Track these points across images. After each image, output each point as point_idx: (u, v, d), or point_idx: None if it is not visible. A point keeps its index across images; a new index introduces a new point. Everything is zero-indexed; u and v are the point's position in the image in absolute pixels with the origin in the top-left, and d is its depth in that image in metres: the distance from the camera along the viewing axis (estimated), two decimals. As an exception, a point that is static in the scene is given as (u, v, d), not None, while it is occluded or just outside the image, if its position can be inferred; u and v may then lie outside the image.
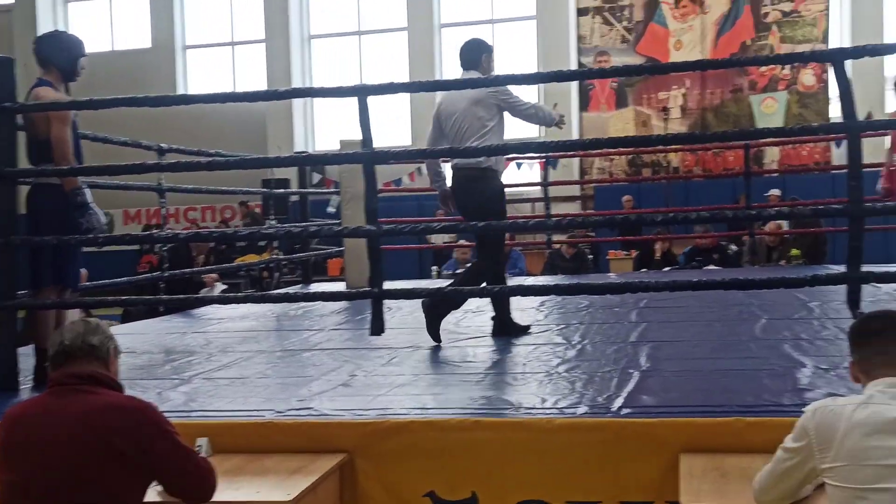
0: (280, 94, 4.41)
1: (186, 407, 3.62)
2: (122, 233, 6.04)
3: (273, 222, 8.37)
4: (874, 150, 12.00)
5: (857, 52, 3.95)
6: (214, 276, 7.74)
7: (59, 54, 4.31)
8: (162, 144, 6.17)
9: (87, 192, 4.27)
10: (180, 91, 17.43)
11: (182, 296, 4.97)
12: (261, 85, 16.80)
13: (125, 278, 6.25)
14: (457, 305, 5.20)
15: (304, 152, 12.01)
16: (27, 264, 4.32)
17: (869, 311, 2.43)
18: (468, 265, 5.68)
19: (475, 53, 5.22)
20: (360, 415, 3.32)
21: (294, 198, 9.30)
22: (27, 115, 4.24)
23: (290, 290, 9.21)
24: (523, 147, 4.22)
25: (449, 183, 5.24)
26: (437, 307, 4.89)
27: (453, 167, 5.17)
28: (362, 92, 4.06)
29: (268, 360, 4.67)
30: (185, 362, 4.69)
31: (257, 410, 3.47)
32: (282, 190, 8.24)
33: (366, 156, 4.08)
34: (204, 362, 4.67)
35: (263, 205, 9.55)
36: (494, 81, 4.66)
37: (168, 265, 6.41)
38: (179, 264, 6.96)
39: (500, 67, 16.67)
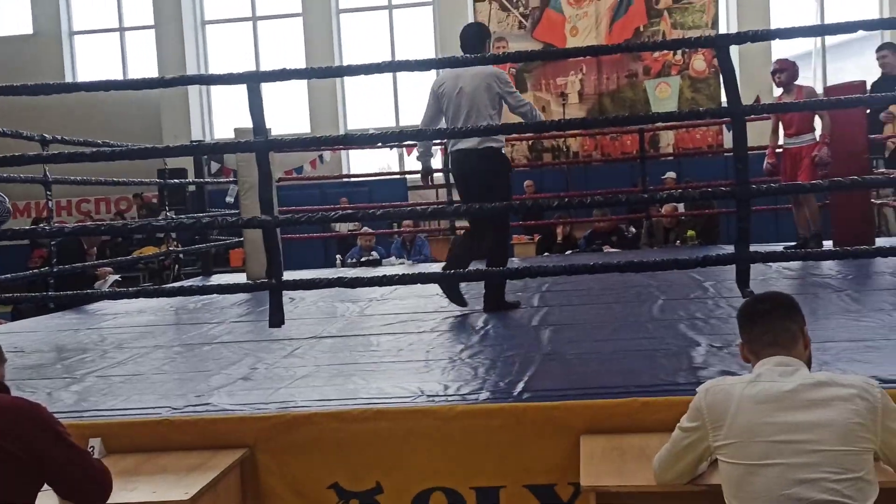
0: (167, 82, 4.25)
1: (78, 407, 3.49)
2: (9, 227, 5.79)
3: (169, 214, 8.15)
4: (762, 133, 12.41)
5: (739, 38, 4.07)
6: (108, 269, 7.48)
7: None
8: (45, 135, 5.92)
9: None
10: (68, 78, 16.79)
11: (70, 292, 4.75)
12: (153, 72, 16.31)
13: (10, 275, 5.98)
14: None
15: (200, 141, 11.73)
16: None
17: (756, 294, 2.51)
18: (460, 235, 5.73)
19: (478, 38, 5.40)
20: (261, 409, 3.25)
21: (191, 188, 9.07)
22: None
23: (190, 282, 9.01)
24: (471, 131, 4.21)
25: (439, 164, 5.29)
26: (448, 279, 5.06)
27: (461, 148, 5.20)
28: (252, 79, 3.97)
29: (165, 356, 4.54)
30: (78, 360, 4.52)
31: (153, 408, 3.37)
32: (177, 180, 8.01)
33: (257, 144, 3.99)
34: (97, 360, 4.51)
35: (159, 196, 9.29)
36: (388, 67, 4.60)
37: (56, 260, 6.17)
38: (70, 258, 6.69)
39: (399, 53, 16.72)
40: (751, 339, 2.34)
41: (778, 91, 7.13)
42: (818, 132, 6.78)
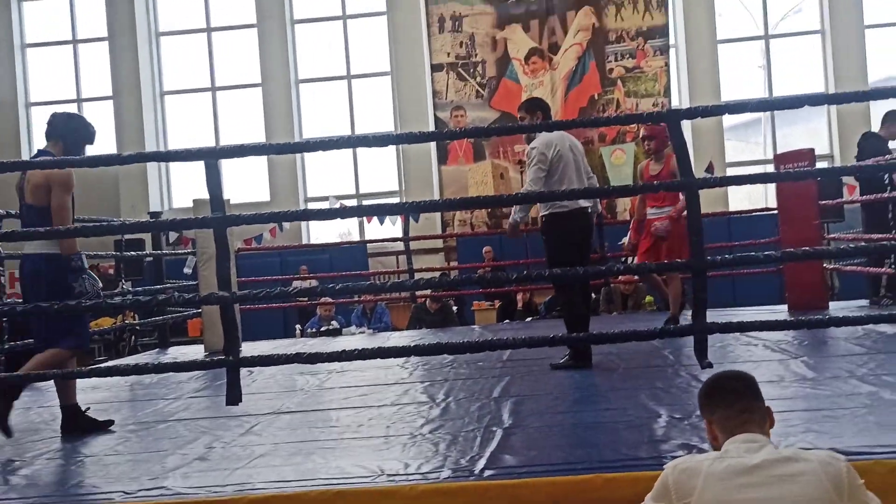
0: (123, 159, 4.23)
1: (28, 492, 3.38)
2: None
3: (126, 285, 8.05)
4: (715, 199, 12.64)
5: (690, 113, 4.16)
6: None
7: (70, 133, 4.63)
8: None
9: (83, 258, 4.51)
10: (25, 152, 16.68)
11: (15, 373, 4.63)
12: (111, 141, 16.24)
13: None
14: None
15: (159, 212, 11.66)
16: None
17: (720, 372, 2.51)
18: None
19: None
20: (217, 492, 3.18)
21: (149, 258, 8.99)
22: (25, 180, 4.47)
23: (146, 356, 8.86)
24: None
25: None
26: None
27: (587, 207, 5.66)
28: (210, 155, 3.96)
29: (119, 436, 4.44)
30: (29, 442, 4.40)
31: (106, 493, 3.28)
32: (133, 252, 7.93)
33: (215, 220, 3.96)
34: (48, 440, 4.40)
35: (116, 266, 9.19)
36: (347, 143, 4.63)
37: (8, 336, 6.04)
38: (24, 333, 6.54)
39: (358, 121, 16.87)
40: (726, 417, 2.33)
41: (732, 155, 7.24)
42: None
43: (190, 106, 16.91)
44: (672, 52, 15.03)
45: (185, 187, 16.46)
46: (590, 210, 5.75)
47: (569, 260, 5.27)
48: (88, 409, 4.68)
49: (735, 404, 2.33)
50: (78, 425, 4.55)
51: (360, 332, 9.30)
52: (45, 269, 4.40)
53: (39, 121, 17.06)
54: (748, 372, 2.47)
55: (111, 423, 4.64)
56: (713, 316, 4.48)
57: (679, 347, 5.67)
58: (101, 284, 4.69)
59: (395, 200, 15.65)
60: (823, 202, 7.83)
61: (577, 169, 5.62)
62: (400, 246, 13.30)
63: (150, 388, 5.96)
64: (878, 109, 15.38)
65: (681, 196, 6.31)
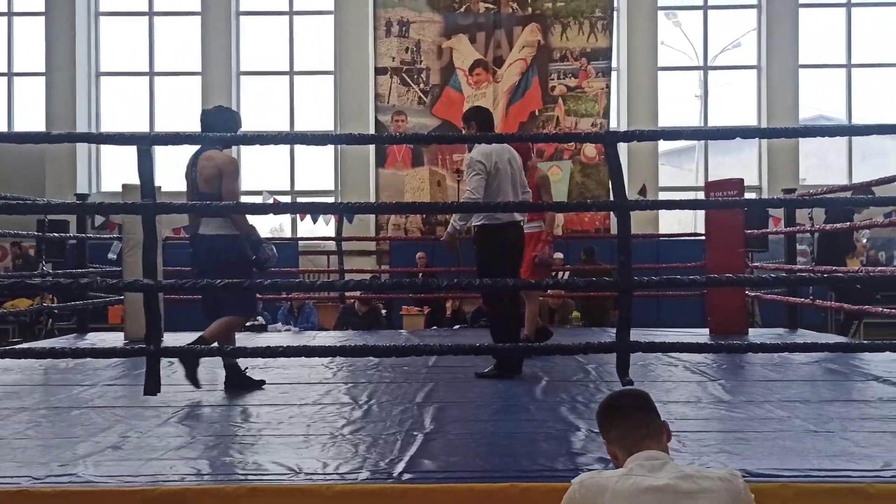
0: (53, 138, 4.13)
1: (-74, 474, 3.26)
2: None
3: (46, 266, 7.83)
4: (645, 221, 12.90)
5: (627, 137, 4.24)
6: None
7: (223, 126, 5.18)
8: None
9: (257, 231, 5.18)
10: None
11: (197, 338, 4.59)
12: (40, 121, 15.81)
13: None
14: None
15: (86, 195, 11.35)
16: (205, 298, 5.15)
17: (615, 391, 2.56)
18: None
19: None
20: (129, 482, 3.11)
21: (72, 241, 8.76)
22: (196, 171, 4.99)
23: (62, 340, 8.63)
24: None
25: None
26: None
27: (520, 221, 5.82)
28: (144, 141, 3.89)
29: (30, 419, 4.31)
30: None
31: (11, 477, 3.18)
32: (57, 234, 7.72)
33: (145, 207, 3.89)
34: (-44, 421, 4.25)
35: (37, 248, 8.95)
36: (286, 139, 4.61)
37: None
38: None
39: (298, 117, 16.75)
40: (623, 434, 2.37)
41: (665, 179, 7.36)
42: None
43: (126, 89, 16.56)
44: (614, 74, 15.29)
45: (114, 171, 16.11)
46: (522, 224, 5.84)
47: (499, 271, 5.33)
48: (247, 368, 5.23)
49: (630, 421, 2.37)
50: (240, 383, 5.10)
51: (287, 330, 9.21)
52: (222, 247, 4.99)
53: (-33, 91, 16.55)
54: (643, 390, 2.53)
55: (263, 382, 5.19)
56: (637, 335, 4.56)
57: (602, 363, 5.74)
58: (276, 252, 5.36)
59: (330, 199, 15.56)
60: (749, 231, 8.04)
61: (513, 182, 5.68)
62: (332, 246, 13.24)
63: (65, 374, 5.81)
64: (806, 147, 15.91)
65: (546, 215, 6.50)
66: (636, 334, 4.55)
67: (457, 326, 10.24)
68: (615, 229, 5.52)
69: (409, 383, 5.30)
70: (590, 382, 5.23)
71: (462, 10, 14.83)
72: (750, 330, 8.18)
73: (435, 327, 10.59)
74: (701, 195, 11.60)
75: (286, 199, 15.32)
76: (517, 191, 5.72)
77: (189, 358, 4.86)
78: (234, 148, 15.79)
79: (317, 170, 16.09)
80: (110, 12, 16.49)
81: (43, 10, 16.07)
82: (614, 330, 5.70)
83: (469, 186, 5.59)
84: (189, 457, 3.49)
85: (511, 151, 5.80)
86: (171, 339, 7.31)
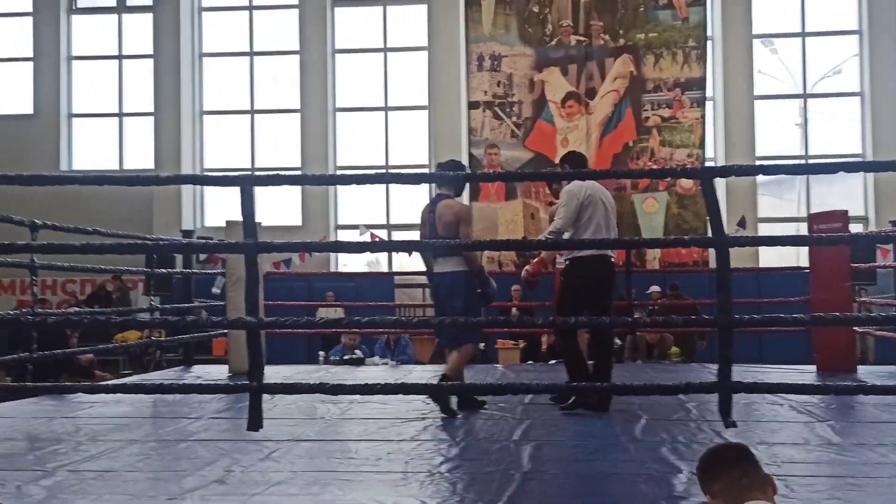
0: (160, 180, 4.34)
1: (47, 504, 3.41)
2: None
3: (154, 300, 8.11)
4: (742, 254, 12.59)
5: (724, 172, 4.18)
6: (90, 356, 7.40)
7: (453, 176, 5.85)
8: (35, 220, 5.96)
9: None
10: (64, 161, 16.96)
11: (48, 383, 4.76)
12: (149, 159, 16.47)
13: (-11, 358, 5.91)
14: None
15: (191, 231, 11.77)
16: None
17: (714, 446, 2.49)
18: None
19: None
20: (234, 517, 3.19)
21: (178, 276, 9.08)
22: (436, 217, 5.70)
23: (171, 371, 8.92)
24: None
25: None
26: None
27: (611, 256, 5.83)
28: (246, 182, 4.01)
29: (140, 452, 4.47)
30: (51, 451, 4.44)
31: (123, 510, 3.30)
32: (164, 269, 8.02)
33: (247, 247, 4.01)
34: (70, 452, 4.43)
35: (146, 282, 9.29)
36: (380, 179, 4.68)
37: (37, 345, 6.11)
38: (51, 343, 6.62)
39: (392, 153, 17.01)
40: (729, 486, 2.29)
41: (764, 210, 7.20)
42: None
43: (228, 127, 17.12)
44: (709, 104, 15.05)
45: (218, 206, 16.62)
46: (612, 258, 5.83)
47: (579, 307, 5.32)
48: None
49: (733, 473, 2.30)
50: (469, 403, 5.67)
51: (384, 363, 9.30)
52: (458, 283, 5.63)
53: (80, 133, 17.38)
54: (744, 444, 2.45)
55: (484, 403, 5.73)
56: (739, 371, 4.46)
57: (704, 402, 5.61)
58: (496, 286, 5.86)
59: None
60: (856, 265, 7.77)
61: (606, 219, 5.69)
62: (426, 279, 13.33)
63: (172, 406, 5.98)
64: (916, 174, 15.29)
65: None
66: (738, 371, 4.44)
67: (552, 361, 10.14)
68: (713, 261, 5.43)
69: (505, 420, 5.29)
70: (690, 422, 5.12)
71: (553, 42, 14.86)
72: (860, 367, 7.87)
73: (531, 362, 10.52)
74: (803, 226, 11.29)
75: (382, 232, 15.53)
76: (610, 227, 5.71)
77: (440, 395, 5.49)
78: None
79: (412, 202, 16.27)
80: (213, 53, 17.12)
81: (151, 52, 16.79)
82: (713, 365, 5.59)
83: (559, 215, 5.65)
84: (290, 493, 3.56)
85: (604, 191, 5.82)
86: (271, 373, 7.49)
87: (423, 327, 7.87)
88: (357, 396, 6.09)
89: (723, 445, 2.49)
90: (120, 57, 17.32)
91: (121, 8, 17.29)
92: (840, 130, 15.82)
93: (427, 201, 6.05)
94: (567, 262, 5.71)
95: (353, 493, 3.51)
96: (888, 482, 3.57)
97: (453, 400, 5.68)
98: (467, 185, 14.82)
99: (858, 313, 7.81)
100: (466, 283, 5.67)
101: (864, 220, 15.29)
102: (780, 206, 16.63)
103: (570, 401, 5.57)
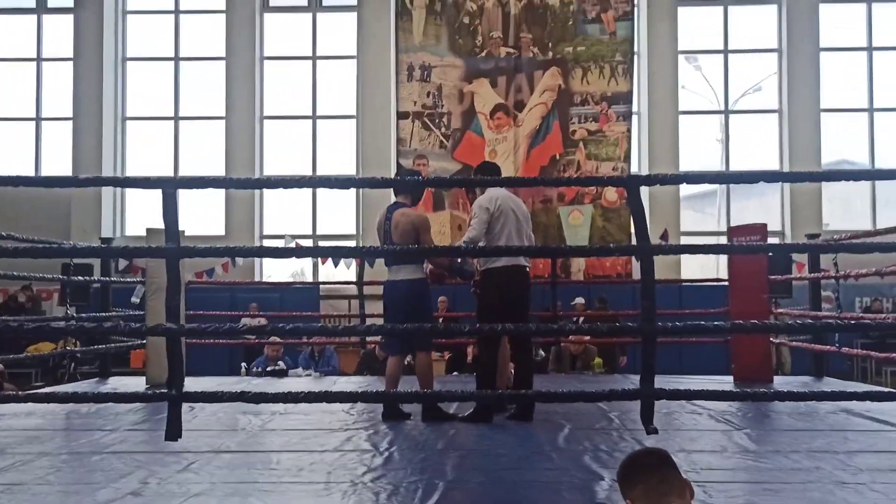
0: (80, 182, 4.20)
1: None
2: None
3: (70, 310, 7.87)
4: (667, 265, 12.85)
5: (650, 181, 4.23)
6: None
7: (408, 184, 5.88)
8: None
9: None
10: (-21, 163, 16.42)
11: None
12: (67, 165, 16.03)
13: None
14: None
15: (110, 238, 11.47)
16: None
17: (634, 451, 2.51)
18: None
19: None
20: (149, 530, 3.09)
21: (96, 285, 8.82)
22: (391, 225, 5.69)
23: (86, 383, 8.65)
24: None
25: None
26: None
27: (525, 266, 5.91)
28: (168, 185, 3.92)
29: (51, 464, 4.30)
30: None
31: (32, 525, 3.17)
32: (81, 278, 7.78)
33: (169, 251, 3.91)
34: (-27, 466, 4.25)
35: (62, 291, 9.01)
36: (308, 183, 4.64)
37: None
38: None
39: (320, 162, 16.88)
40: (647, 491, 2.31)
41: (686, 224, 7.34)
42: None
43: (151, 133, 16.79)
44: (634, 118, 15.32)
45: (138, 215, 16.27)
46: (528, 268, 5.94)
47: (497, 316, 5.35)
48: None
49: (652, 478, 2.32)
50: (434, 414, 5.59)
51: (307, 375, 9.18)
52: (411, 291, 5.64)
53: (-4, 136, 16.84)
54: (663, 449, 2.48)
55: (455, 416, 5.67)
56: (659, 382, 4.50)
57: (625, 411, 5.67)
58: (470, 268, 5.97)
59: (352, 243, 15.62)
60: (773, 277, 7.97)
61: (518, 229, 5.76)
62: (353, 290, 13.25)
63: (86, 418, 5.80)
64: (830, 191, 15.83)
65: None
66: (659, 381, 4.48)
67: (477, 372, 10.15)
68: (637, 274, 5.50)
69: (430, 430, 5.26)
70: (613, 430, 5.17)
71: (483, 54, 14.93)
72: (775, 378, 8.07)
73: (456, 373, 10.52)
74: (723, 240, 11.55)
75: (308, 243, 15.40)
76: (522, 237, 5.78)
77: (430, 411, 5.57)
78: (252, 192, 15.94)
79: (338, 214, 16.19)
80: (137, 57, 16.78)
81: (71, 55, 16.37)
82: (635, 376, 5.66)
83: (472, 226, 5.70)
84: (208, 504, 3.47)
85: (516, 200, 5.92)
86: (192, 384, 7.32)
87: (349, 334, 7.77)
88: (279, 409, 6.01)
89: (641, 451, 2.50)
90: (39, 59, 16.85)
91: (41, 8, 16.83)
92: (759, 146, 16.28)
93: (384, 209, 5.98)
94: (481, 274, 5.79)
95: (273, 505, 3.44)
96: (802, 488, 3.65)
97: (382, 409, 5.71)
98: (393, 191, 14.86)
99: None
100: (421, 291, 5.71)
101: (780, 234, 15.75)
102: (702, 219, 17.03)
103: (470, 412, 5.63)
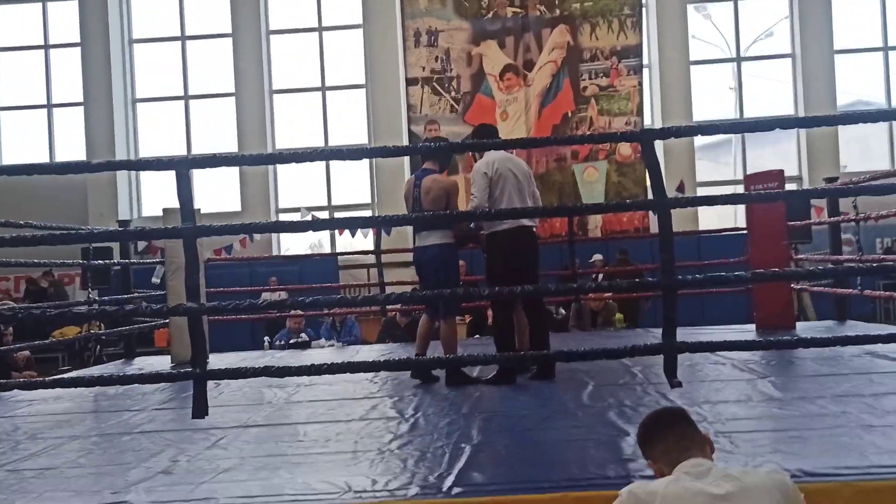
0: (93, 167, 4.18)
1: (-20, 507, 3.31)
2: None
3: (92, 293, 7.94)
4: (684, 217, 12.73)
5: (664, 133, 4.18)
6: (25, 353, 7.21)
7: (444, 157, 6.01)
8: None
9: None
10: (-8, 155, 16.51)
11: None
12: (80, 150, 16.08)
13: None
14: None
15: (127, 220, 11.53)
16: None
17: (652, 412, 2.54)
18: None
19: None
20: (181, 507, 3.13)
21: (117, 267, 8.88)
22: (421, 192, 5.70)
23: (111, 366, 8.74)
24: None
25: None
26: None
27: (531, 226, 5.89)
28: (181, 165, 3.92)
29: (81, 447, 4.36)
30: (-14, 452, 4.31)
31: (66, 506, 3.21)
32: (100, 261, 7.82)
33: (185, 231, 3.92)
34: (9, 452, 4.30)
35: (82, 275, 9.08)
36: (320, 156, 4.61)
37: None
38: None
39: (332, 132, 16.81)
40: (667, 449, 2.36)
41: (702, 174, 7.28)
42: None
43: (162, 114, 16.79)
44: (645, 71, 15.16)
45: (154, 195, 16.34)
46: (534, 229, 5.95)
47: (506, 279, 5.35)
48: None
49: (671, 435, 2.37)
50: (458, 379, 5.60)
51: (330, 346, 9.24)
52: (440, 256, 5.67)
53: (7, 125, 16.90)
54: (681, 407, 2.51)
55: (479, 380, 5.68)
56: (682, 334, 4.50)
57: (648, 365, 5.67)
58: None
59: (368, 213, 15.62)
60: (792, 223, 7.91)
61: (519, 190, 5.70)
62: (371, 259, 13.27)
63: (114, 399, 5.87)
64: (846, 133, 15.64)
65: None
66: (681, 334, 4.48)
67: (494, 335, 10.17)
68: (655, 228, 5.47)
69: (454, 395, 5.28)
70: (637, 385, 5.17)
71: (489, 15, 14.80)
72: (798, 324, 8.03)
73: (477, 336, 10.54)
74: (740, 189, 11.45)
75: (324, 214, 15.41)
76: (525, 198, 5.74)
77: (454, 376, 5.59)
78: (266, 167, 15.96)
79: (353, 184, 16.18)
80: (143, 39, 16.74)
81: (78, 40, 16.36)
82: (657, 330, 5.65)
83: (472, 197, 5.69)
84: (239, 479, 3.50)
85: (516, 160, 5.89)
86: (216, 361, 7.38)
87: (368, 304, 7.79)
88: (304, 381, 6.05)
89: (659, 411, 2.54)
90: (46, 46, 16.85)
91: (45, -4, 16.81)
92: (773, 92, 16.09)
93: (409, 176, 6.09)
94: (486, 238, 5.79)
95: (303, 476, 3.46)
96: (829, 433, 3.64)
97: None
98: (406, 158, 14.81)
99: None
100: (450, 257, 5.75)
101: (798, 179, 15.61)
102: (717, 169, 16.89)
103: (493, 374, 5.66)
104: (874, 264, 7.04)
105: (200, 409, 3.91)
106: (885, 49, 16.02)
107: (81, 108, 16.38)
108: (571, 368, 5.80)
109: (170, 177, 4.24)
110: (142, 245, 13.04)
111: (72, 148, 16.37)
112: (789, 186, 12.42)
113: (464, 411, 4.70)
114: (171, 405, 5.52)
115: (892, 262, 7.06)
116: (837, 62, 15.74)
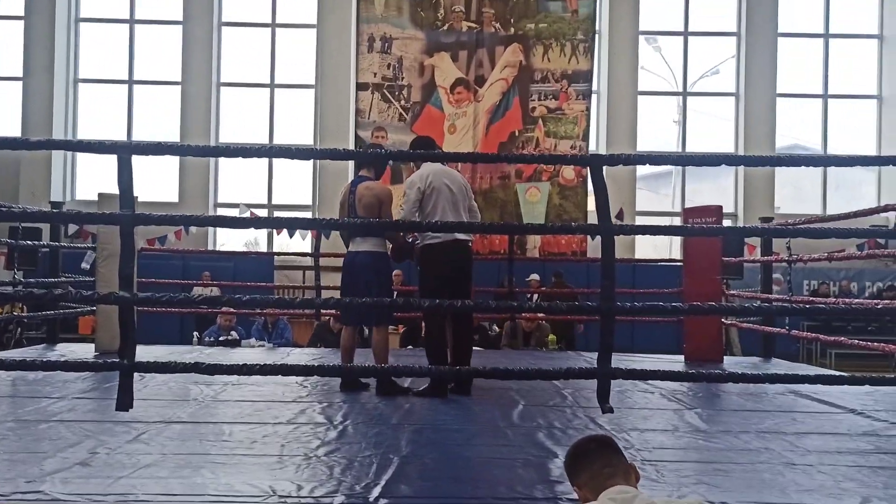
0: (31, 144, 4.05)
1: None
2: None
3: (18, 275, 7.69)
4: (624, 245, 12.91)
5: (612, 160, 4.23)
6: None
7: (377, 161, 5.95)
8: None
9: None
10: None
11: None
12: (16, 126, 15.63)
13: None
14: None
15: (60, 203, 11.21)
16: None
17: (579, 439, 2.58)
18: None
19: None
20: (97, 500, 3.03)
21: (45, 249, 8.63)
22: (355, 199, 5.68)
23: (33, 349, 8.49)
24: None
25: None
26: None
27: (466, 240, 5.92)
28: (124, 150, 3.81)
29: (-5, 433, 4.21)
30: None
31: (-24, 494, 3.09)
32: (29, 242, 7.60)
33: (124, 217, 3.82)
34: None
35: (8, 256, 8.80)
36: (267, 153, 4.56)
37: None
38: None
39: (278, 131, 16.66)
40: (592, 476, 2.38)
41: (642, 203, 7.39)
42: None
43: (104, 97, 16.43)
44: (594, 97, 15.37)
45: (88, 179, 15.95)
46: (469, 243, 5.96)
47: (438, 292, 5.38)
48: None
49: (598, 462, 2.40)
50: (389, 388, 5.59)
51: (260, 346, 9.12)
52: (372, 264, 5.65)
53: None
54: (607, 435, 2.54)
55: (410, 390, 5.68)
56: (615, 361, 4.54)
57: (579, 389, 5.73)
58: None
59: (308, 214, 15.48)
60: (726, 259, 8.07)
61: (453, 203, 5.71)
62: (307, 261, 13.15)
63: (33, 385, 5.69)
64: (782, 175, 16.06)
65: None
66: (613, 359, 4.52)
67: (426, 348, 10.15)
68: (592, 252, 5.52)
69: (384, 404, 5.24)
70: (566, 408, 5.20)
71: (445, 28, 14.82)
72: (725, 358, 8.19)
73: (410, 346, 10.52)
74: (678, 221, 11.67)
75: (263, 212, 15.24)
76: (459, 211, 5.74)
77: (385, 385, 5.58)
78: (207, 159, 15.71)
79: (295, 184, 16.03)
80: (91, 18, 16.38)
81: (22, 13, 15.93)
82: (589, 354, 5.70)
83: (400, 209, 5.75)
84: (159, 476, 3.41)
85: (451, 173, 5.89)
86: (143, 353, 7.20)
87: (306, 307, 7.70)
88: (232, 378, 5.95)
89: (586, 438, 2.58)
90: (-13, 17, 16.38)
91: (-9, -34, 16.34)
92: (715, 128, 16.45)
93: (347, 181, 6.02)
94: (419, 250, 5.79)
95: (227, 477, 3.39)
96: (752, 468, 3.70)
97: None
98: (351, 163, 14.74)
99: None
100: (382, 265, 5.75)
101: (733, 216, 15.95)
102: (657, 200, 17.19)
103: (425, 386, 5.66)
104: (805, 305, 7.22)
105: (125, 402, 3.81)
106: (825, 97, 16.51)
107: (20, 83, 15.93)
108: (504, 386, 5.81)
109: (107, 161, 4.13)
110: (73, 229, 12.71)
111: (7, 123, 15.91)
112: (725, 222, 12.69)
113: (393, 422, 4.66)
114: (92, 395, 5.37)
115: (824, 305, 7.25)
116: (779, 105, 16.17)
